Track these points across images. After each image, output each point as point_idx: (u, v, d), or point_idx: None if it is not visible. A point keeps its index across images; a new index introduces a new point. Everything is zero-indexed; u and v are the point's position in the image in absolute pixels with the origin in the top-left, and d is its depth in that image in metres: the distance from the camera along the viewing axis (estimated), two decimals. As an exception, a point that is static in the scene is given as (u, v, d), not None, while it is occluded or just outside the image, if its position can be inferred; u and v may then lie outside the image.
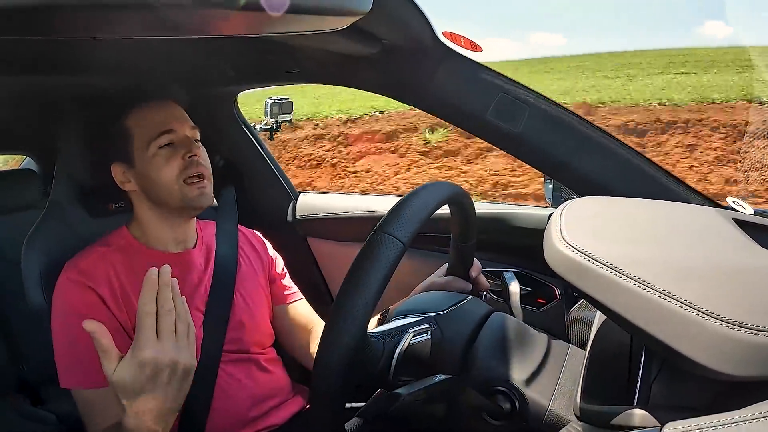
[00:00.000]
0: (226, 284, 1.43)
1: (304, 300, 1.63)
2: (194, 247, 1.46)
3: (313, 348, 1.47)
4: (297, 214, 2.15)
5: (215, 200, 1.63)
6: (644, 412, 0.70)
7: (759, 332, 0.60)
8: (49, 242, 1.36)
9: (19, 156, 3.27)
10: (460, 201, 1.12)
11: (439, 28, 1.23)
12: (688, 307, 0.63)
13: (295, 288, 1.63)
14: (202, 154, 1.37)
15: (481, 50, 1.31)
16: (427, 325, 1.02)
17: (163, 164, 1.32)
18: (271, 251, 1.64)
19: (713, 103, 9.83)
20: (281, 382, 1.49)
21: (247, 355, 1.43)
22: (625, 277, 0.69)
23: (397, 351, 0.96)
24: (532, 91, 1.32)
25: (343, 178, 10.54)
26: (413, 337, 0.99)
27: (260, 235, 1.66)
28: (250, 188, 2.12)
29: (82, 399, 1.23)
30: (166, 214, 1.38)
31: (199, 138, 1.40)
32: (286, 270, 1.65)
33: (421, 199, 0.93)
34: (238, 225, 1.61)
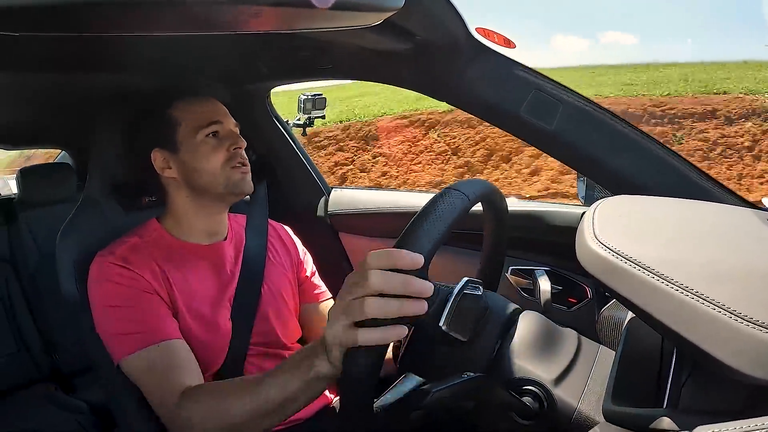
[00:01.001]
0: (255, 277, 1.45)
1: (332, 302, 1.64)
2: (225, 239, 1.48)
3: None
4: (329, 209, 2.16)
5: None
6: (674, 415, 0.69)
7: None
8: (83, 235, 1.39)
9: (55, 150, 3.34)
10: (493, 200, 1.11)
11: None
12: (721, 310, 0.62)
13: (324, 287, 1.64)
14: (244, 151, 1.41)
15: (515, 46, 1.30)
16: (480, 283, 0.98)
17: (210, 152, 1.35)
18: (301, 248, 1.65)
19: None
20: None
21: (275, 349, 1.44)
22: (658, 278, 0.68)
23: (451, 299, 0.92)
24: (566, 88, 1.31)
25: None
26: (468, 288, 0.93)
27: (290, 231, 1.67)
28: (283, 183, 2.14)
29: (144, 364, 1.20)
30: (205, 203, 1.40)
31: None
32: (315, 268, 1.66)
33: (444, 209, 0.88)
34: (269, 219, 1.62)
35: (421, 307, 0.80)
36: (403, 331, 0.80)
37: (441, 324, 0.89)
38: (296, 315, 1.56)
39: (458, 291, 0.91)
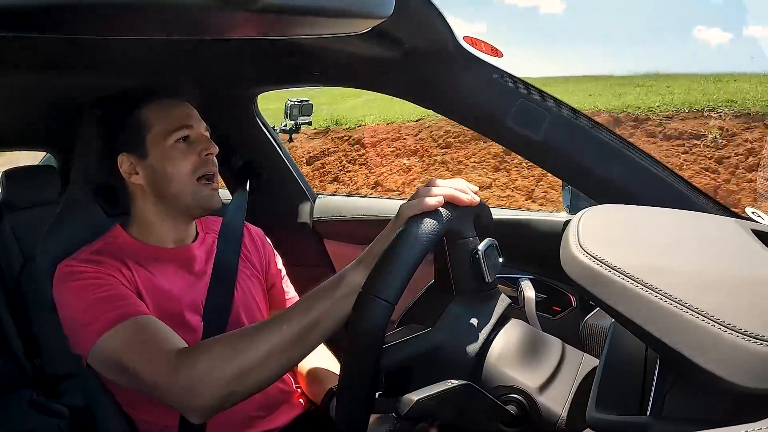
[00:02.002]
0: (227, 280, 1.42)
1: None
2: (194, 241, 1.46)
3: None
4: (315, 215, 2.15)
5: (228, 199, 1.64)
6: (658, 423, 0.69)
7: None
8: (65, 238, 1.37)
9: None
10: (478, 213, 1.11)
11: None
12: (705, 318, 0.63)
13: (293, 293, 1.62)
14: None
15: (502, 55, 1.31)
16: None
17: (179, 158, 1.32)
18: (272, 252, 1.63)
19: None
20: (281, 384, 1.46)
21: None
22: (642, 286, 0.69)
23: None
24: (553, 97, 1.32)
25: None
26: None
27: (262, 233, 1.65)
28: (268, 189, 2.13)
29: (126, 335, 1.16)
30: (170, 211, 1.37)
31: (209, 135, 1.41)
32: (284, 271, 1.63)
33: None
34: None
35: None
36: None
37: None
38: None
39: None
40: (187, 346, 1.15)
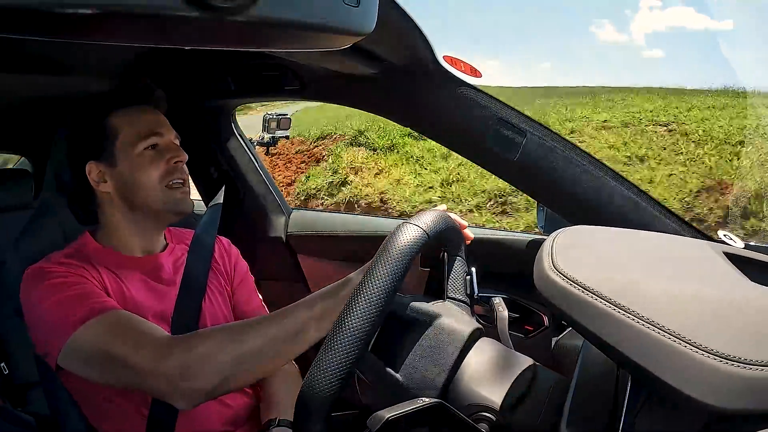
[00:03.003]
0: (196, 292, 1.39)
1: None
2: (163, 251, 1.44)
3: None
4: (289, 230, 2.14)
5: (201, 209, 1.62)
6: None
7: (747, 365, 0.60)
8: (37, 244, 1.36)
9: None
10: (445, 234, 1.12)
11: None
12: (676, 339, 0.64)
13: (259, 302, 1.59)
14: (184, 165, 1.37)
15: (480, 75, 1.32)
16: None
17: (148, 165, 1.31)
18: (237, 254, 1.61)
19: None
20: (250, 398, 1.45)
21: None
22: (614, 307, 0.69)
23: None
24: (530, 119, 1.33)
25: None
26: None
27: (229, 242, 1.62)
28: (243, 202, 2.12)
29: (105, 326, 1.15)
30: (139, 220, 1.36)
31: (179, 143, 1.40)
32: (251, 279, 1.61)
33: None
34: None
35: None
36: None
37: None
38: None
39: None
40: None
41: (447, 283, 1.10)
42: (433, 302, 1.04)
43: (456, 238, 1.13)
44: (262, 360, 1.10)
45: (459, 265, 1.12)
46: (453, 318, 1.03)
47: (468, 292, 1.10)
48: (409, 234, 0.93)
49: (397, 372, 0.99)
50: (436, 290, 1.11)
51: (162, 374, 1.09)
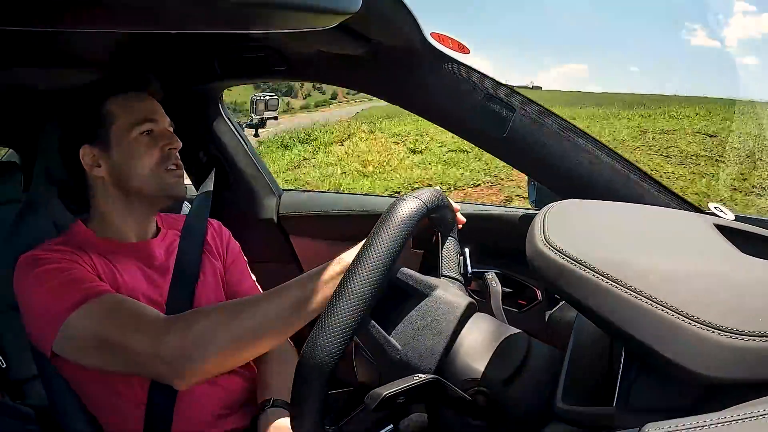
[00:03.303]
0: (189, 277, 1.41)
1: None
2: (155, 236, 1.44)
3: None
4: (280, 211, 2.14)
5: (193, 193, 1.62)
6: (624, 413, 0.70)
7: (738, 336, 0.61)
8: (28, 237, 1.35)
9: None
10: (441, 211, 1.12)
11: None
12: (669, 310, 0.64)
13: (252, 281, 1.60)
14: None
15: (469, 52, 1.32)
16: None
17: (143, 151, 1.32)
18: (231, 240, 1.61)
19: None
20: (244, 381, 1.45)
21: None
22: (607, 280, 0.70)
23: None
24: (519, 94, 1.33)
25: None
26: None
27: (220, 224, 1.62)
28: (233, 185, 2.11)
29: (102, 308, 1.16)
30: (132, 205, 1.36)
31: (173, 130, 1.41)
32: (243, 264, 1.61)
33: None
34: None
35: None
36: None
37: None
38: None
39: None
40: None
41: (441, 263, 1.11)
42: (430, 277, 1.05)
43: (450, 217, 1.14)
44: (258, 337, 1.12)
45: (452, 244, 1.13)
46: (450, 292, 1.04)
47: (461, 271, 1.11)
48: (410, 204, 0.95)
49: (396, 340, 1.00)
50: (430, 270, 1.11)
51: (161, 356, 1.11)
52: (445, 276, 1.11)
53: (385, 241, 0.89)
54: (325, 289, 1.10)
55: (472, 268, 1.18)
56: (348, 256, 1.12)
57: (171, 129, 1.39)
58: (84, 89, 1.38)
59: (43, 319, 1.19)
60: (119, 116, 1.33)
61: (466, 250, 1.09)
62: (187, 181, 1.72)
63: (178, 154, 1.37)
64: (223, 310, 1.14)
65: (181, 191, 1.37)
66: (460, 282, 1.12)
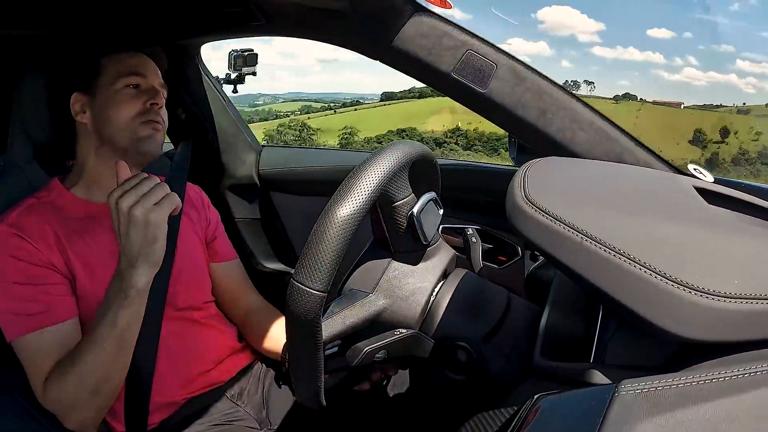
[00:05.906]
0: (168, 240, 1.37)
1: (239, 261, 1.66)
2: None
3: (235, 311, 1.58)
4: (260, 167, 2.13)
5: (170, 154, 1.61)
6: (600, 369, 0.72)
7: (713, 296, 0.62)
8: (2, 201, 1.33)
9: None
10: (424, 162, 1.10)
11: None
12: (647, 270, 0.65)
13: (230, 248, 1.65)
14: (163, 111, 1.38)
15: (451, 7, 1.30)
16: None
17: (124, 102, 1.32)
18: (211, 208, 1.64)
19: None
20: (225, 337, 1.50)
21: (187, 311, 1.43)
22: (585, 238, 0.71)
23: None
24: (501, 50, 1.31)
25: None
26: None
27: (200, 190, 1.65)
28: (213, 142, 2.09)
29: (35, 346, 1.21)
30: (110, 157, 1.34)
31: (165, 97, 1.40)
32: (222, 229, 1.66)
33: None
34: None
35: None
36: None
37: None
38: (208, 275, 1.55)
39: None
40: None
41: (391, 240, 1.06)
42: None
43: (434, 175, 1.12)
44: (112, 382, 1.20)
45: (404, 210, 1.04)
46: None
47: (423, 238, 1.06)
48: (401, 145, 0.92)
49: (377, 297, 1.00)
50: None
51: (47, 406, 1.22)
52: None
53: (371, 168, 0.84)
54: (134, 320, 1.18)
55: (451, 222, 1.17)
56: (134, 280, 1.15)
57: (162, 89, 1.39)
58: (86, 42, 1.40)
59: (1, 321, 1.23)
60: (108, 67, 1.34)
61: (415, 210, 1.03)
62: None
63: (163, 112, 1.37)
64: (70, 364, 1.18)
65: (154, 147, 1.35)
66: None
